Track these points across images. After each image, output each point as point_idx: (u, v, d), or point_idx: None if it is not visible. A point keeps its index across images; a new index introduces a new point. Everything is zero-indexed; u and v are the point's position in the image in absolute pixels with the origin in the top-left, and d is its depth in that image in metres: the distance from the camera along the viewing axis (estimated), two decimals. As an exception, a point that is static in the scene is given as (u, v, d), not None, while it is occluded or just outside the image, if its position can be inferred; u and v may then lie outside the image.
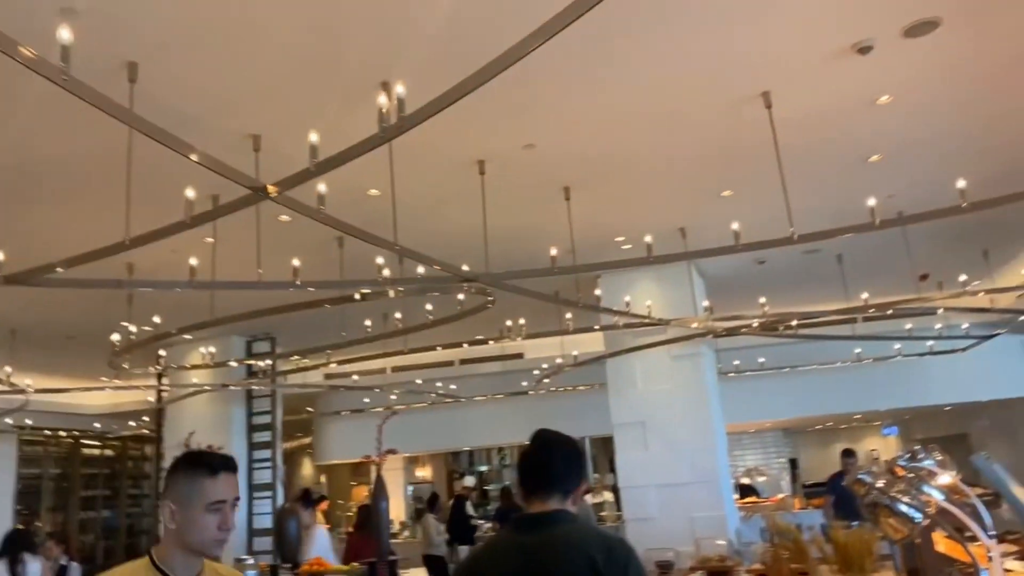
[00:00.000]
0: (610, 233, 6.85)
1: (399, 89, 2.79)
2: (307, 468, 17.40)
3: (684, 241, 6.67)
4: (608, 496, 12.65)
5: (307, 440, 14.87)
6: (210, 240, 5.58)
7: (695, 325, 7.37)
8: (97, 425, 13.25)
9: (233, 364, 8.94)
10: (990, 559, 2.91)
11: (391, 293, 5.27)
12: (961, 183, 4.23)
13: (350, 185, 5.05)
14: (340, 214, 4.07)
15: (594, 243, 6.81)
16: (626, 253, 7.27)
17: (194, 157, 3.09)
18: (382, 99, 2.86)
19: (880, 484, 2.71)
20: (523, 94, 4.32)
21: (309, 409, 13.43)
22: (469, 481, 15.22)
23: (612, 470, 10.34)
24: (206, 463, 1.97)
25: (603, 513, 12.20)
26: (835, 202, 6.06)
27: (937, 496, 2.79)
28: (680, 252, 5.89)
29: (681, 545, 6.87)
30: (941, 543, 3.81)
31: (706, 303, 7.42)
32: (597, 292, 7.53)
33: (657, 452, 7.49)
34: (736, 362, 10.52)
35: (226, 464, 1.99)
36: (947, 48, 4.14)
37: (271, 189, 3.29)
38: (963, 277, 6.91)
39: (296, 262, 4.65)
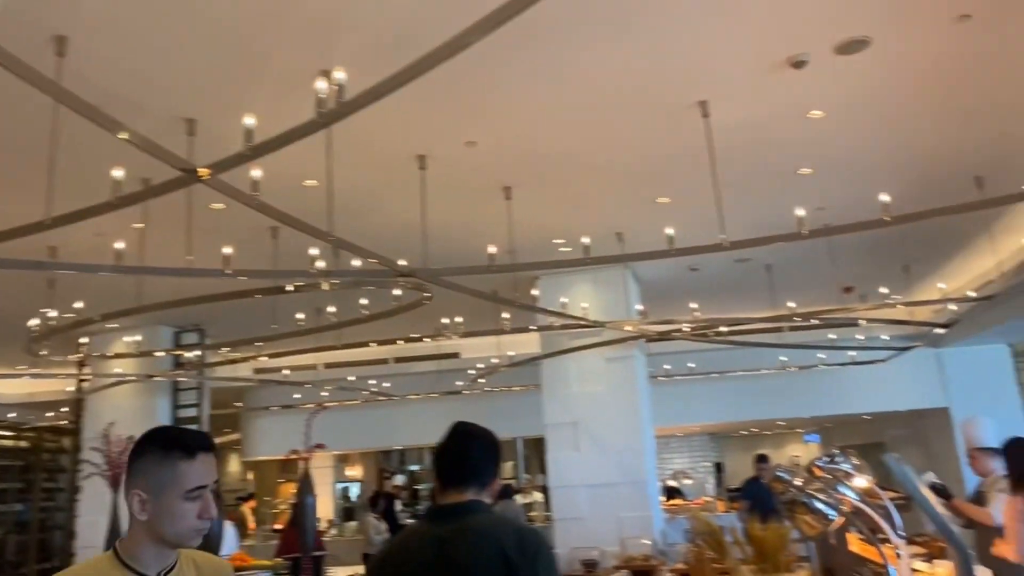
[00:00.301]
0: (549, 235, 6.89)
1: (339, 75, 2.76)
2: (234, 464, 17.02)
3: (621, 245, 6.77)
4: (538, 496, 12.72)
5: (235, 436, 14.54)
6: (139, 226, 5.41)
7: (629, 328, 7.48)
8: (12, 415, 12.68)
9: (159, 354, 8.68)
10: (899, 557, 3.04)
11: (325, 285, 5.19)
12: (884, 197, 4.40)
13: (286, 174, 4.96)
14: (275, 204, 4.00)
15: (533, 244, 6.84)
16: (564, 256, 7.33)
17: (123, 135, 2.99)
18: (321, 84, 2.82)
19: (798, 482, 2.80)
20: (466, 91, 4.32)
21: (237, 404, 13.13)
22: (399, 480, 15.12)
23: (543, 471, 10.41)
24: (181, 443, 1.70)
25: (532, 513, 12.26)
26: (766, 212, 6.22)
27: (852, 496, 2.90)
28: (616, 255, 5.96)
29: (608, 544, 6.98)
30: (855, 544, 3.95)
31: (640, 307, 7.54)
32: (534, 292, 7.59)
33: (588, 453, 7.57)
34: (667, 366, 10.73)
35: (204, 443, 1.72)
36: (877, 66, 4.30)
37: (203, 172, 3.21)
38: (884, 290, 7.20)
39: (228, 250, 4.55)
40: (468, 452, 2.18)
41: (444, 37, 2.63)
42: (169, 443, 1.70)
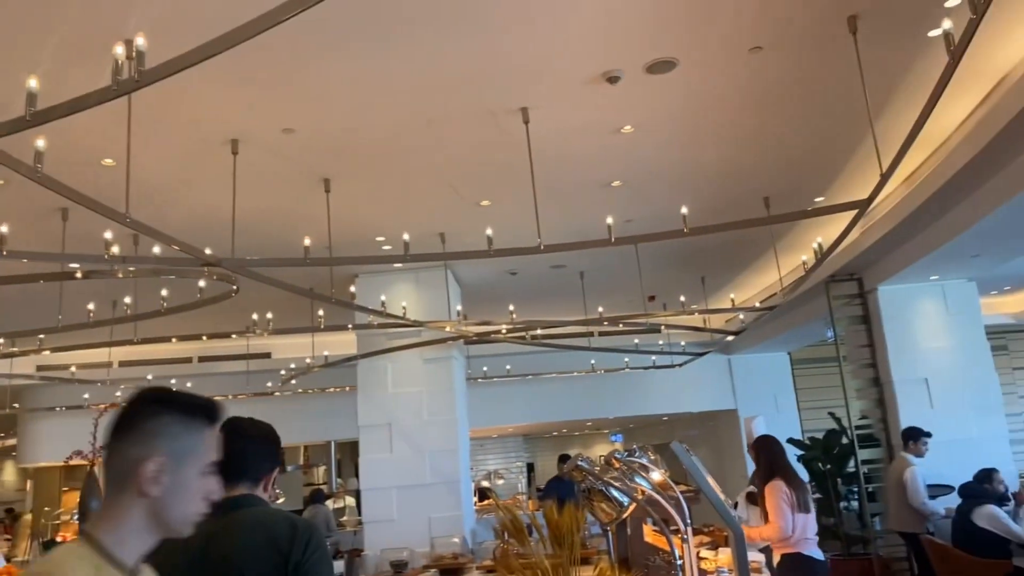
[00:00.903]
0: (370, 232, 6.79)
1: (139, 41, 2.56)
2: (9, 473, 15.37)
3: (443, 246, 6.79)
4: (351, 501, 12.48)
5: (11, 440, 13.10)
6: None
7: (449, 329, 7.52)
8: None
9: (-84, 347, 7.65)
10: (686, 544, 3.26)
11: (120, 273, 4.79)
12: (684, 210, 4.72)
13: (81, 150, 4.55)
14: (67, 182, 3.63)
15: (353, 241, 6.71)
16: (386, 254, 7.25)
17: None
18: (119, 50, 2.60)
19: (596, 471, 2.94)
20: (283, 75, 4.15)
21: (15, 405, 11.83)
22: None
23: (357, 475, 10.23)
24: (205, 409, 1.46)
25: (344, 518, 12.00)
26: (581, 221, 6.51)
27: (646, 486, 3.08)
28: (435, 252, 5.97)
29: (418, 545, 6.97)
30: (649, 535, 4.21)
31: (460, 308, 7.61)
32: (352, 290, 7.45)
33: (401, 454, 7.53)
34: (485, 368, 10.91)
35: (221, 413, 1.51)
36: (682, 87, 4.61)
37: (-27, 137, 2.85)
38: (683, 299, 7.74)
39: (2, 228, 4.08)
40: (241, 447, 2.13)
41: (260, 11, 2.51)
42: (191, 407, 1.45)
